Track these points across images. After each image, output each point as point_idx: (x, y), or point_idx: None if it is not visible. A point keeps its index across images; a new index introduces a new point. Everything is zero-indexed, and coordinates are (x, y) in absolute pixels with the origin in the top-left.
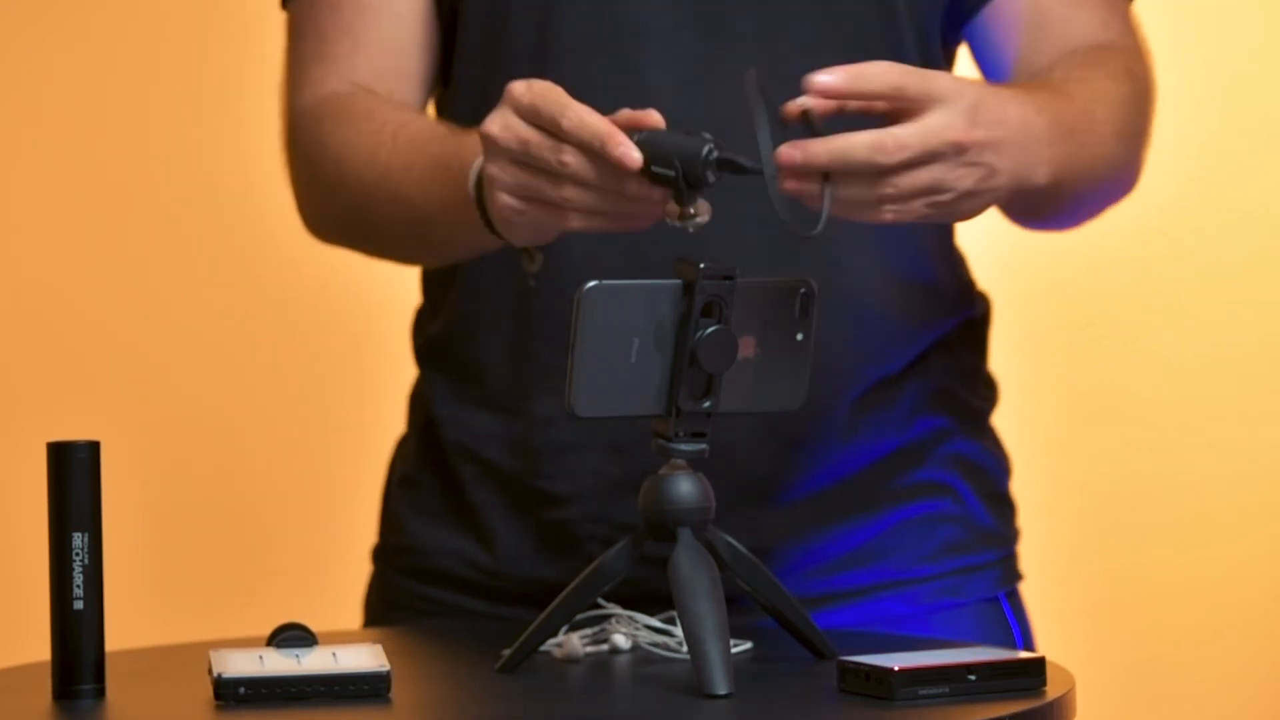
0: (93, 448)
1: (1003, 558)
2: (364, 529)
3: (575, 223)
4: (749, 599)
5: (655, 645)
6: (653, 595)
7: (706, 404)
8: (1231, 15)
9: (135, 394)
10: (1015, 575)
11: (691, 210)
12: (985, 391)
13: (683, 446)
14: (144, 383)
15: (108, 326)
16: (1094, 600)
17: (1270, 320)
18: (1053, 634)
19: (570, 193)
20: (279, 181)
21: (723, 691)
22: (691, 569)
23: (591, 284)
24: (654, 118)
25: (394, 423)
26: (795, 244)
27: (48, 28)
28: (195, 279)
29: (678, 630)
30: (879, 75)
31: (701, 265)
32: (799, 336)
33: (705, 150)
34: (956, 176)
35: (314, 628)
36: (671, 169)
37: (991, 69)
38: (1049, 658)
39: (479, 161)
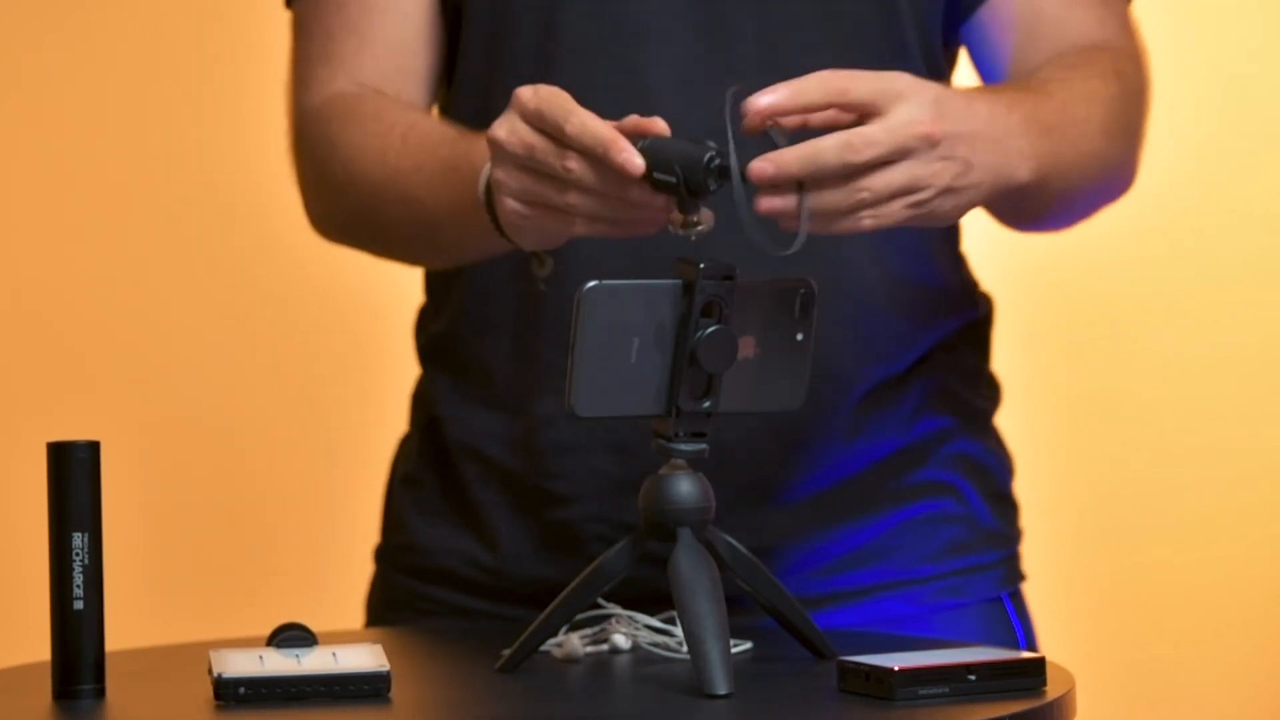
0: (93, 448)
1: (1006, 558)
2: (364, 529)
3: (580, 228)
4: (749, 599)
5: (655, 645)
6: (653, 595)
7: (706, 404)
8: (1231, 15)
9: (135, 394)
10: (1018, 575)
11: (694, 218)
12: (988, 391)
13: (683, 446)
14: (144, 383)
15: (108, 326)
16: (1094, 600)
17: (1270, 320)
18: (1052, 634)
19: (574, 198)
20: (279, 181)
21: (723, 691)
22: (691, 569)
23: (591, 284)
24: (659, 125)
25: (396, 422)
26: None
27: (48, 28)
28: (195, 279)
29: (678, 630)
30: (818, 85)
31: (701, 265)
32: (799, 336)
33: (707, 158)
34: (932, 172)
35: (314, 628)
36: (673, 176)
37: (988, 70)
38: (1049, 657)
39: (489, 165)
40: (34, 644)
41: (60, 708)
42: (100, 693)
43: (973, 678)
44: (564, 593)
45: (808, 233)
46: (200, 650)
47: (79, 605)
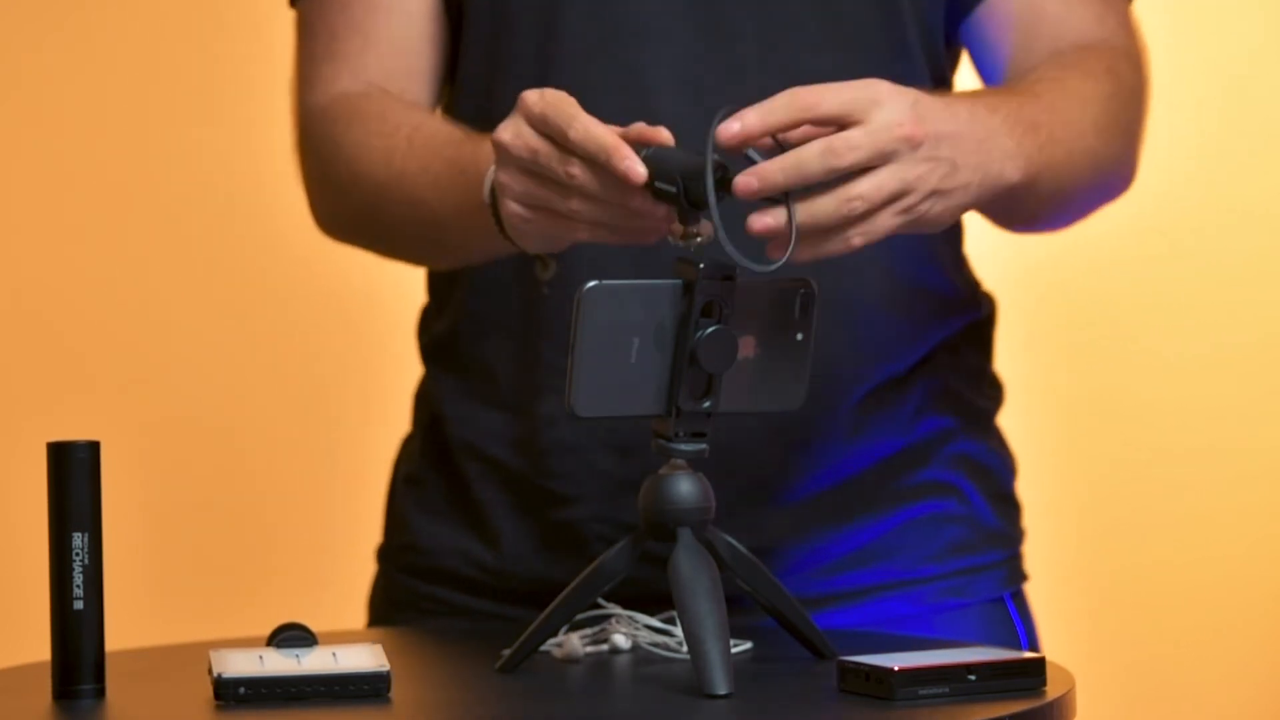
0: (93, 448)
1: (1008, 558)
2: (364, 528)
3: (582, 234)
4: (749, 599)
5: (655, 645)
6: (653, 595)
7: (706, 404)
8: (1231, 15)
9: (135, 394)
10: (1020, 575)
11: (694, 229)
12: (991, 392)
13: (683, 446)
14: (144, 383)
15: (108, 326)
16: (1094, 600)
17: (1270, 320)
18: (1053, 633)
19: (576, 204)
20: (279, 180)
21: (723, 691)
22: (691, 569)
23: (591, 284)
24: (663, 135)
25: (397, 422)
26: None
27: (48, 28)
28: (195, 279)
29: (678, 630)
30: (785, 104)
31: (701, 265)
32: (799, 336)
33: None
34: (917, 175)
35: (314, 628)
36: (674, 186)
37: (987, 69)
38: (1049, 657)
39: (494, 167)
40: (34, 644)
41: (60, 708)
42: (100, 693)
43: (973, 678)
44: (564, 593)
45: (797, 260)
46: (200, 650)
47: (79, 605)
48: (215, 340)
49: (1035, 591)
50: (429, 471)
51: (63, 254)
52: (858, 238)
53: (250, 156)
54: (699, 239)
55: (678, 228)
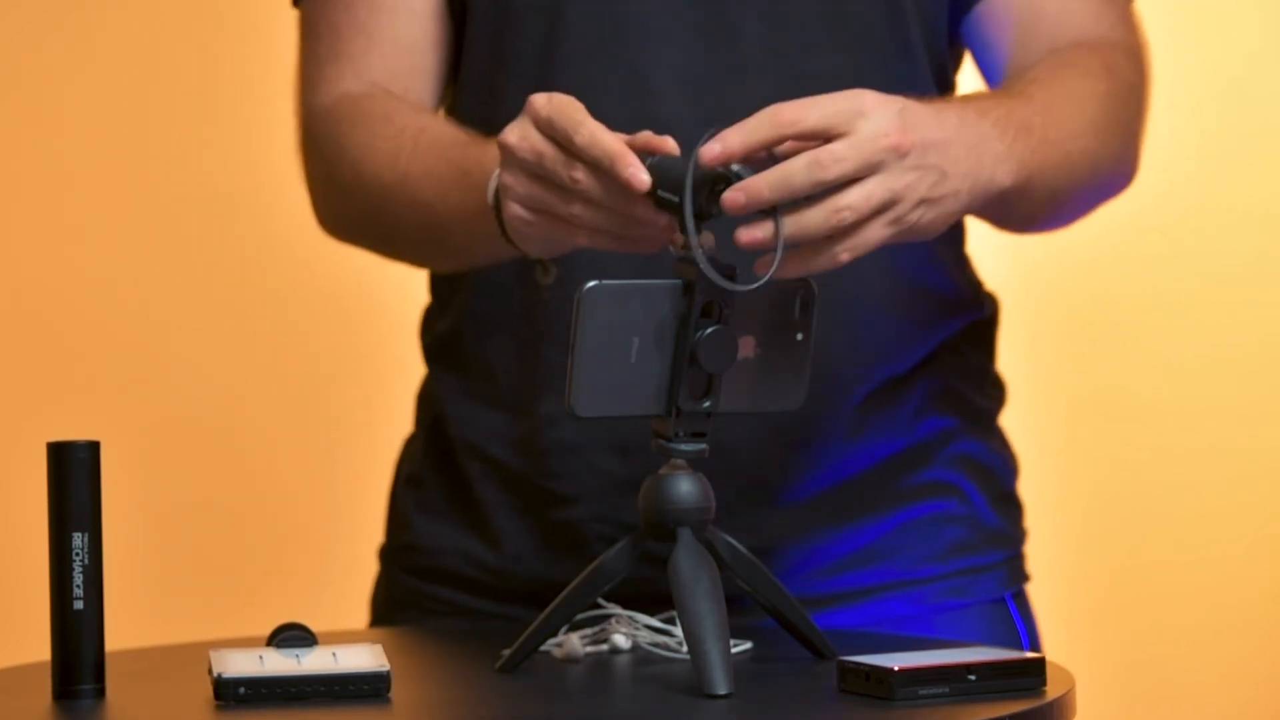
0: (93, 448)
1: (1009, 558)
2: (364, 528)
3: (584, 240)
4: (749, 599)
5: (655, 645)
6: (653, 595)
7: (706, 404)
8: (1230, 16)
9: (135, 394)
10: (1022, 576)
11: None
12: (993, 392)
13: (683, 446)
14: (144, 383)
15: (108, 326)
16: (1094, 600)
17: (1270, 320)
18: (1053, 633)
19: (579, 209)
20: (279, 180)
21: (723, 691)
22: (691, 569)
23: (591, 284)
24: (669, 144)
25: (398, 422)
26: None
27: (48, 28)
28: (195, 279)
29: (678, 630)
30: (767, 121)
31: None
32: (799, 336)
33: (712, 181)
34: (905, 184)
35: (315, 627)
36: (678, 196)
37: (988, 68)
38: (1049, 657)
39: (499, 170)
40: (34, 644)
41: (60, 708)
42: (100, 693)
43: (973, 678)
44: (564, 593)
45: (783, 276)
46: (200, 650)
47: (79, 605)
48: (215, 340)
49: (1036, 591)
50: (431, 471)
51: (63, 254)
52: (845, 253)
53: (250, 156)
54: (700, 250)
55: (679, 237)
